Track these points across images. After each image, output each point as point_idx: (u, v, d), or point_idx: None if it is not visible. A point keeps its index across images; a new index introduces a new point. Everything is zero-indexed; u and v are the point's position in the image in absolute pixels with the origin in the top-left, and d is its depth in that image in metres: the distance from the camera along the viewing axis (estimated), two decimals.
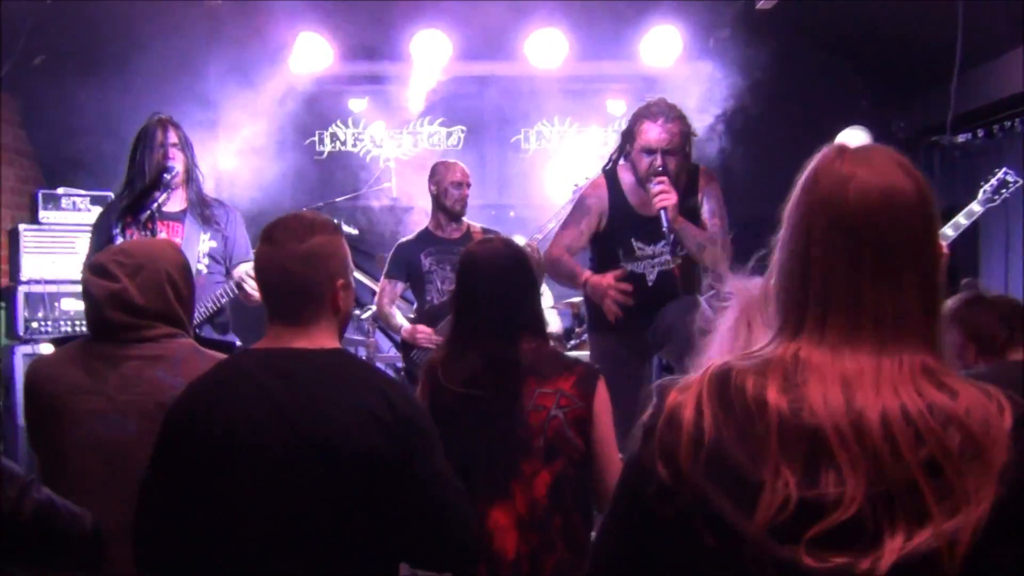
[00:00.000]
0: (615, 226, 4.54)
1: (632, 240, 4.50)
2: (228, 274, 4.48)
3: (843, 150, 1.42)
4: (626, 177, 4.55)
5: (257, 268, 2.45)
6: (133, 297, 2.66)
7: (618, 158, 4.62)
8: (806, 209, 1.40)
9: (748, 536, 1.28)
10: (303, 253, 2.33)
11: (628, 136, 4.50)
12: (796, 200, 1.42)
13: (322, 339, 2.36)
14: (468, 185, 5.52)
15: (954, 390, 1.30)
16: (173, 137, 4.38)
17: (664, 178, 4.27)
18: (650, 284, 4.51)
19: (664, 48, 6.69)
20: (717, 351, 2.01)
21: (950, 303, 3.18)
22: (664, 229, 4.25)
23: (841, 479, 1.26)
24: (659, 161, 4.31)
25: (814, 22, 5.92)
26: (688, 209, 4.45)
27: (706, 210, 4.52)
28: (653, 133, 4.34)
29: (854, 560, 1.24)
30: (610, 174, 4.60)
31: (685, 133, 4.42)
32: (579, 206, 4.66)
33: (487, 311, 2.94)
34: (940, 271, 1.40)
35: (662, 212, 4.22)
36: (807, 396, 1.30)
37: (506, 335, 2.91)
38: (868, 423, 1.27)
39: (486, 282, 2.97)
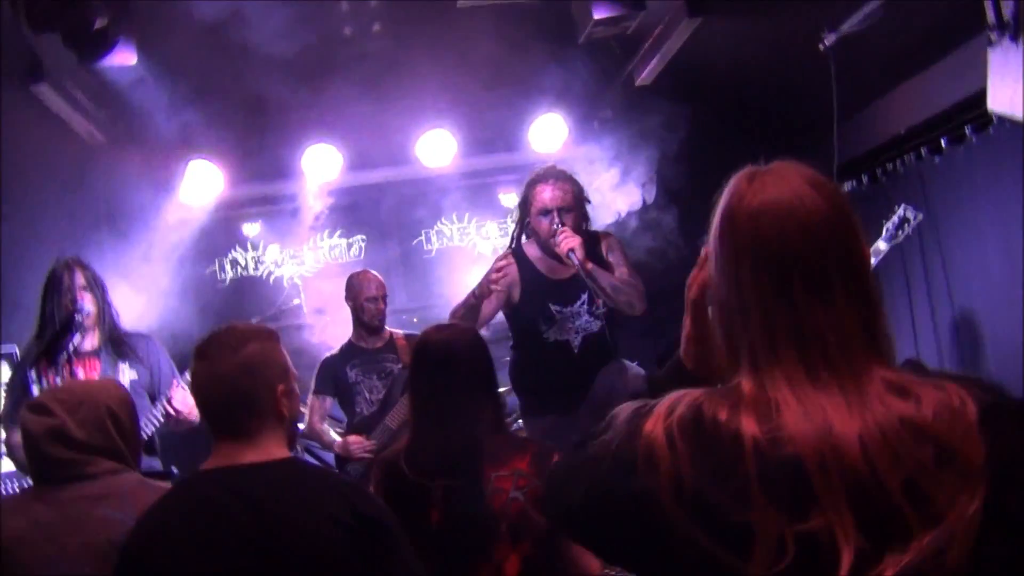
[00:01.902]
0: (529, 294, 4.55)
1: (549, 305, 4.51)
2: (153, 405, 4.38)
3: (752, 174, 1.42)
4: (531, 251, 4.61)
5: (194, 387, 2.38)
6: (72, 431, 2.56)
7: (520, 233, 4.68)
8: (726, 240, 1.40)
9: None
10: (239, 364, 2.28)
11: (524, 205, 4.58)
12: (715, 231, 1.43)
13: (271, 450, 2.31)
14: (384, 297, 5.49)
15: (917, 396, 1.29)
16: (80, 279, 4.30)
17: (565, 228, 4.34)
18: (576, 351, 4.52)
19: (550, 135, 6.82)
20: None
21: None
22: (576, 265, 4.26)
23: (827, 512, 1.24)
24: (557, 218, 4.37)
25: (694, 90, 6.10)
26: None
27: (613, 262, 4.56)
28: (547, 194, 4.43)
29: None
30: (516, 251, 4.64)
31: (578, 193, 4.52)
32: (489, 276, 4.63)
33: (446, 400, 2.90)
34: (871, 281, 1.39)
35: (570, 253, 4.25)
36: (782, 427, 1.28)
37: (468, 419, 2.88)
38: (847, 449, 1.25)
39: (443, 370, 2.93)
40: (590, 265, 4.29)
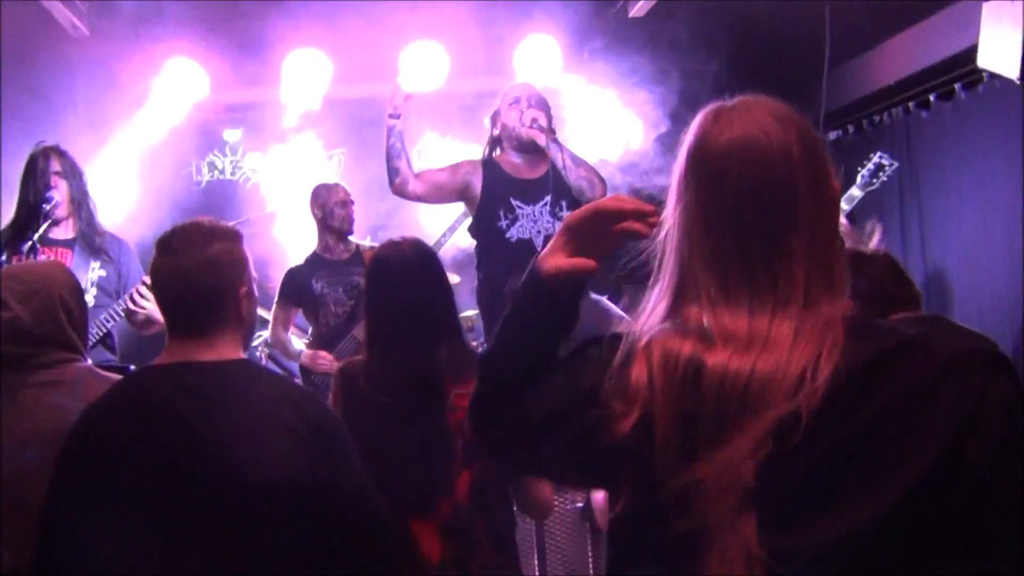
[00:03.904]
0: (491, 190, 4.62)
1: (511, 199, 4.58)
2: None
3: (719, 110, 1.41)
4: (501, 157, 4.71)
5: (155, 280, 2.34)
6: (27, 325, 2.53)
7: (492, 146, 4.78)
8: (690, 177, 1.39)
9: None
10: (203, 261, 2.26)
11: (496, 114, 4.71)
12: (680, 167, 1.41)
13: (226, 350, 2.29)
14: (352, 203, 5.46)
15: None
16: (56, 165, 4.26)
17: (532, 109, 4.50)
18: (539, 249, 4.49)
19: (539, 60, 6.72)
20: None
21: None
22: (539, 134, 4.44)
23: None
24: (525, 104, 4.53)
25: (686, 27, 6.02)
26: (567, 194, 4.58)
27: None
28: (518, 88, 4.66)
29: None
30: (486, 160, 4.76)
31: (547, 102, 4.67)
32: (453, 164, 4.80)
33: (403, 316, 2.87)
34: (835, 220, 1.38)
35: (534, 124, 4.45)
36: (726, 361, 1.29)
37: (424, 339, 2.85)
38: (804, 383, 1.25)
39: (399, 286, 2.89)
40: (554, 141, 4.43)
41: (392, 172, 4.56)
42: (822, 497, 1.23)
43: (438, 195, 4.67)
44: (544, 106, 4.62)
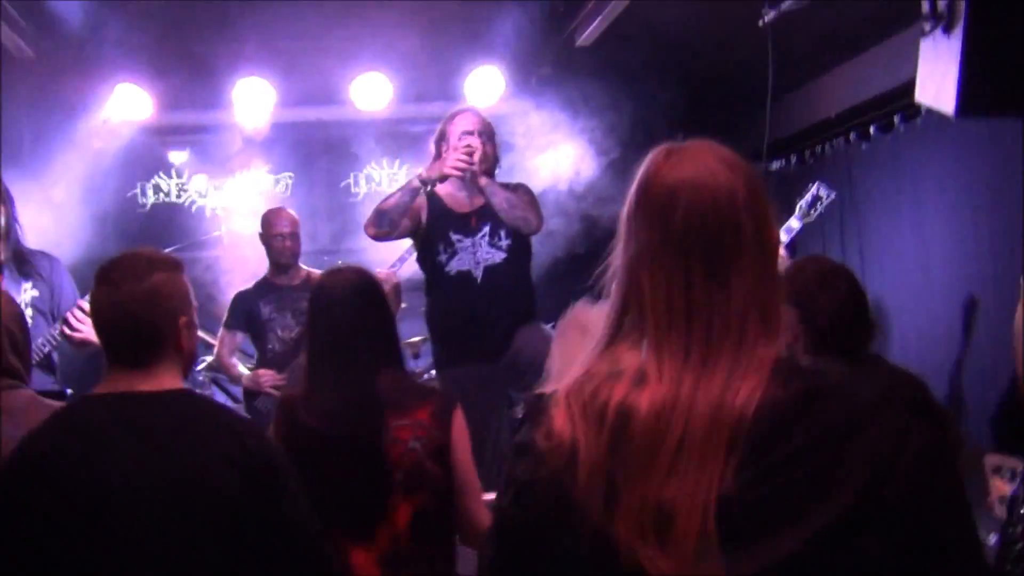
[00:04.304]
0: (433, 224, 4.62)
1: (449, 233, 4.58)
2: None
3: (669, 151, 1.43)
4: (442, 188, 4.67)
5: (94, 311, 2.32)
6: None
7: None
8: (638, 213, 1.41)
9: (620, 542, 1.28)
10: (144, 292, 2.23)
11: (441, 136, 4.68)
12: (629, 203, 1.43)
13: (166, 381, 2.26)
14: (295, 235, 5.44)
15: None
16: None
17: (470, 151, 4.48)
18: (478, 281, 4.57)
19: (487, 88, 6.77)
20: (560, 362, 2.00)
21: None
22: (468, 180, 4.49)
23: (710, 479, 1.25)
24: (476, 140, 4.53)
25: (634, 56, 6.09)
26: (508, 224, 4.57)
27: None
28: (467, 120, 4.63)
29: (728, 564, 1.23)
30: (429, 193, 4.70)
31: (492, 128, 4.69)
32: None
33: (343, 344, 2.86)
34: (775, 264, 1.41)
35: (465, 159, 4.45)
36: (667, 399, 1.30)
37: (364, 368, 2.85)
38: (729, 421, 1.27)
39: (340, 314, 2.88)
40: (484, 182, 4.46)
41: (385, 223, 4.52)
42: (738, 535, 1.25)
43: (399, 235, 4.67)
44: (489, 134, 4.64)
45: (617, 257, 1.44)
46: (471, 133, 4.56)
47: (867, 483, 1.23)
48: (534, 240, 4.77)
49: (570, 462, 1.32)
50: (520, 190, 4.68)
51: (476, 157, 4.47)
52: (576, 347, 1.91)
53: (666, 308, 1.35)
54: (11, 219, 4.28)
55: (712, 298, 1.34)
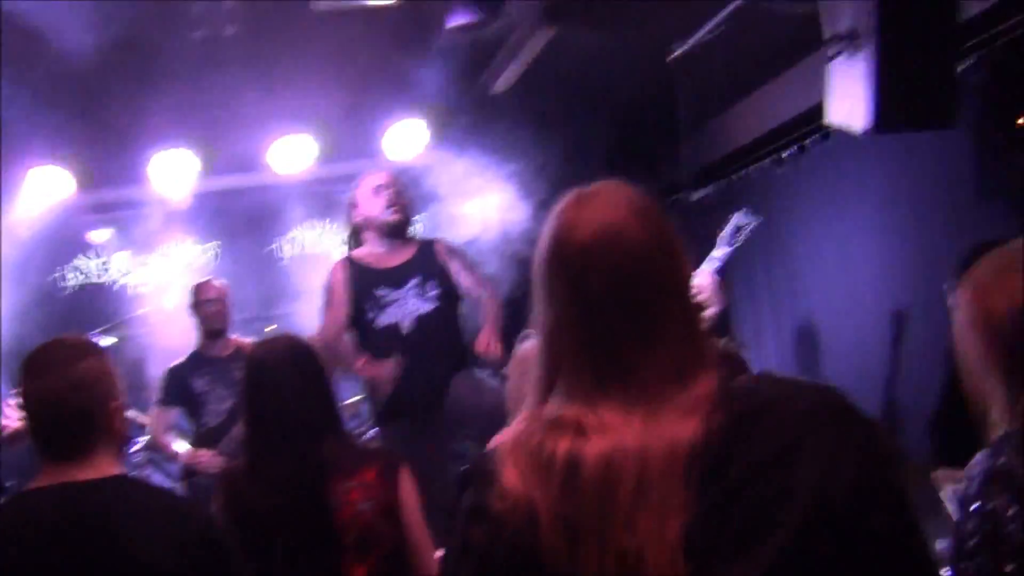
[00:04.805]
0: (358, 287, 4.59)
1: (374, 291, 4.56)
2: None
3: (578, 200, 1.42)
4: (360, 252, 4.70)
5: (25, 403, 2.28)
6: None
7: (352, 237, 4.78)
8: (547, 274, 1.40)
9: None
10: (73, 380, 2.20)
11: (353, 202, 4.71)
12: (541, 262, 1.42)
13: (104, 467, 2.23)
14: (223, 301, 5.40)
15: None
16: None
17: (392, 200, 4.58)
18: (405, 332, 4.53)
19: (407, 141, 6.80)
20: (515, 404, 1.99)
21: None
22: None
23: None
24: (391, 191, 4.59)
25: (550, 99, 6.16)
26: (435, 275, 4.60)
27: (455, 268, 4.68)
28: (376, 178, 4.68)
29: None
30: (347, 257, 4.73)
31: (401, 181, 4.74)
32: (325, 291, 4.70)
33: (283, 413, 2.84)
34: (691, 303, 1.41)
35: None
36: (614, 447, 1.30)
37: (307, 435, 2.82)
38: (682, 456, 1.27)
39: (277, 383, 2.86)
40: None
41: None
42: (707, 566, 1.24)
43: (341, 330, 4.65)
44: (401, 184, 4.70)
45: (538, 313, 1.43)
46: (384, 187, 4.59)
47: (817, 491, 1.23)
48: None
49: (530, 519, 1.30)
50: (463, 259, 4.76)
51: (400, 201, 4.55)
52: (527, 387, 1.90)
53: (596, 368, 1.35)
54: None
55: (641, 355, 1.34)
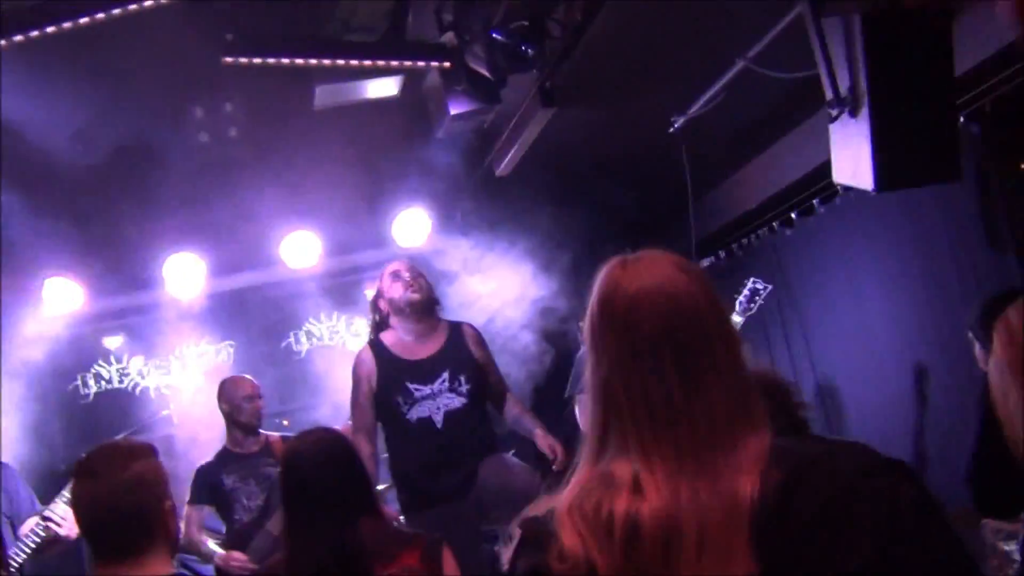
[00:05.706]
0: (386, 377, 4.60)
1: (406, 383, 4.56)
2: (14, 532, 4.20)
3: (624, 262, 1.47)
4: (389, 338, 4.69)
5: (78, 505, 2.30)
6: None
7: (377, 325, 4.76)
8: (599, 328, 1.44)
9: None
10: (128, 482, 2.22)
11: (379, 293, 4.73)
12: (592, 319, 1.45)
13: (158, 567, 2.25)
14: (259, 396, 5.43)
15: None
16: None
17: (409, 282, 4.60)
18: (439, 427, 4.54)
19: (414, 229, 6.89)
20: None
21: None
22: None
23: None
24: (406, 273, 4.63)
25: (554, 178, 6.24)
26: (465, 368, 4.62)
27: (481, 360, 4.74)
28: (394, 265, 4.73)
29: None
30: (373, 342, 4.72)
31: (417, 268, 4.77)
32: (353, 383, 4.71)
33: (322, 501, 2.87)
34: (741, 357, 1.43)
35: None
36: (669, 506, 1.32)
37: (345, 521, 2.85)
38: (744, 511, 1.29)
39: (316, 473, 2.90)
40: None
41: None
42: None
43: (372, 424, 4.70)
44: (417, 270, 4.73)
45: (589, 371, 1.46)
46: (401, 271, 4.64)
47: (873, 548, 1.25)
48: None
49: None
50: (480, 344, 4.82)
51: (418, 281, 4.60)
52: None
53: (649, 418, 1.37)
54: None
55: (692, 402, 1.36)
